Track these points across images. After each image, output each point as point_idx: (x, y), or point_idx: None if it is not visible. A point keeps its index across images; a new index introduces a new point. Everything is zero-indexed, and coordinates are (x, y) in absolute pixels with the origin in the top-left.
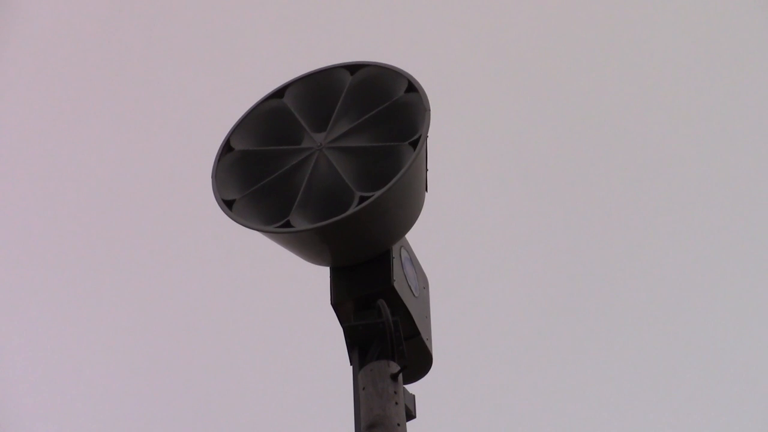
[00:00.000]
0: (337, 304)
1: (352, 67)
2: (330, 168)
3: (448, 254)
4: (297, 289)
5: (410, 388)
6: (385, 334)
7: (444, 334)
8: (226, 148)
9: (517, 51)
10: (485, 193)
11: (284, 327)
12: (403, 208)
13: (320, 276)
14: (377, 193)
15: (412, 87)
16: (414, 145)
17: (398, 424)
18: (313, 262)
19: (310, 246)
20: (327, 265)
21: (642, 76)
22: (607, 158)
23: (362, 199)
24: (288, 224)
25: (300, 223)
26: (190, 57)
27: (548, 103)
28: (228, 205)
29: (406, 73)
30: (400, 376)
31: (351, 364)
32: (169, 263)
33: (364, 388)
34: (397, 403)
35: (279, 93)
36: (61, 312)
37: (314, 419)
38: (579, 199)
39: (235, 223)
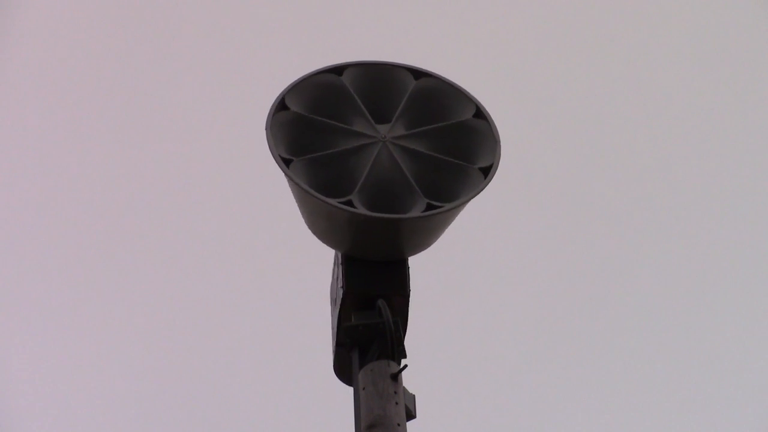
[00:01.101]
0: (347, 293)
1: (416, 73)
2: (392, 162)
3: (449, 256)
4: (296, 288)
5: (411, 388)
6: (385, 334)
7: (445, 335)
8: (280, 105)
9: (520, 55)
10: (487, 197)
11: (284, 327)
12: (444, 226)
13: (320, 276)
14: (448, 206)
15: (479, 113)
16: (484, 172)
17: (398, 424)
18: (328, 243)
19: (348, 230)
20: (341, 251)
21: (643, 84)
22: (607, 163)
23: (429, 206)
24: (349, 203)
25: (359, 207)
26: (190, 59)
27: (549, 110)
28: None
29: (474, 98)
30: (401, 376)
31: (333, 368)
32: (168, 263)
33: (364, 388)
34: (397, 403)
35: (337, 70)
36: (61, 312)
37: (314, 419)
38: (580, 202)
39: (291, 182)
